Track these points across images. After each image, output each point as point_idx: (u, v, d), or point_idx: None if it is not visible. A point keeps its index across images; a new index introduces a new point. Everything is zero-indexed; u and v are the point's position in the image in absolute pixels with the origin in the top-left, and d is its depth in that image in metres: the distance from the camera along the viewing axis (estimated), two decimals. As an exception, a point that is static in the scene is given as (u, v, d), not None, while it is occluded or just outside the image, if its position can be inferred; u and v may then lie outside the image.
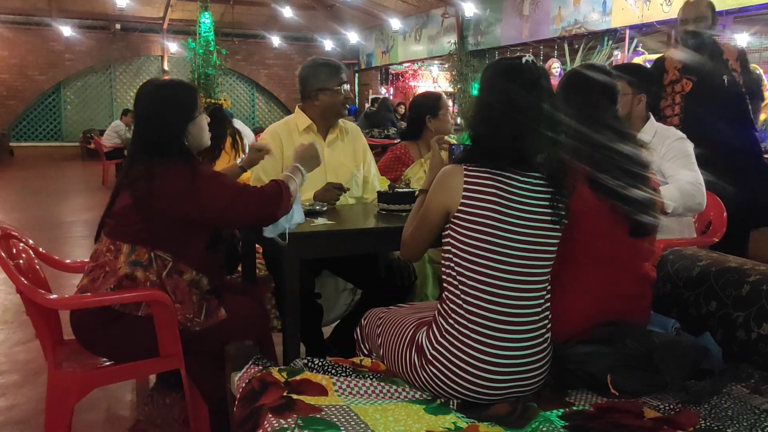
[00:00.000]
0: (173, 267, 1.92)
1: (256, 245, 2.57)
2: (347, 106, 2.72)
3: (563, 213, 1.59)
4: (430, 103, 3.11)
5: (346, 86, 2.69)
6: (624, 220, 1.71)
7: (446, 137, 2.30)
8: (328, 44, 15.69)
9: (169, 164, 1.89)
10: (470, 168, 1.57)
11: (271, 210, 1.91)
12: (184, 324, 1.93)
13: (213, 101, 9.11)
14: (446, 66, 13.28)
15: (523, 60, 1.60)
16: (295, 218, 2.00)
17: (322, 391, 1.55)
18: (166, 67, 15.56)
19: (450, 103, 3.67)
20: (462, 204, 1.55)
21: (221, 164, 3.47)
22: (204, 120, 2.07)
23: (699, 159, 2.55)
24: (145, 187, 1.86)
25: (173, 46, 15.01)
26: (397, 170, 3.08)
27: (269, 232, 1.98)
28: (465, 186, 1.55)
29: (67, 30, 14.35)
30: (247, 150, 3.75)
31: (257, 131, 9.48)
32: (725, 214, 2.71)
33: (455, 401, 1.56)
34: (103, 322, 1.90)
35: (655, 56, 8.17)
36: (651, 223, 1.74)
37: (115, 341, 1.93)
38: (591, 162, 1.69)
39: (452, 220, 1.58)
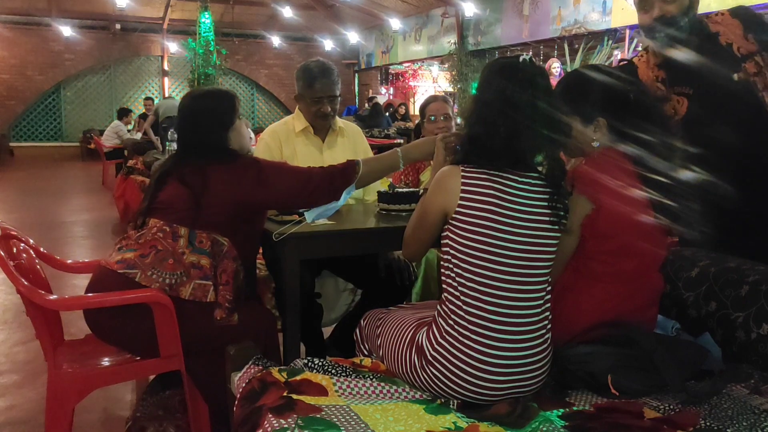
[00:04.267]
0: (228, 252, 1.96)
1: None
2: (326, 116, 2.61)
3: (562, 213, 1.59)
4: (421, 109, 3.12)
5: (326, 98, 2.57)
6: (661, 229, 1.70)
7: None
8: (328, 44, 15.69)
9: (221, 165, 1.96)
10: (468, 169, 1.57)
11: (332, 196, 2.01)
12: (222, 305, 1.92)
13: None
14: (446, 66, 13.29)
15: (520, 59, 1.60)
16: (339, 202, 2.07)
17: (322, 391, 1.55)
18: (166, 67, 15.58)
19: (451, 102, 3.53)
20: (460, 205, 1.55)
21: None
22: (242, 125, 2.12)
23: None
24: (201, 182, 1.93)
25: (173, 46, 15.03)
26: (412, 174, 3.07)
27: (310, 214, 2.06)
28: (462, 187, 1.55)
29: (67, 30, 14.36)
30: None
31: (257, 131, 9.50)
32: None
33: (455, 401, 1.56)
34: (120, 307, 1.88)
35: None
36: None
37: (129, 328, 1.91)
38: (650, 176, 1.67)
39: (450, 221, 1.57)
